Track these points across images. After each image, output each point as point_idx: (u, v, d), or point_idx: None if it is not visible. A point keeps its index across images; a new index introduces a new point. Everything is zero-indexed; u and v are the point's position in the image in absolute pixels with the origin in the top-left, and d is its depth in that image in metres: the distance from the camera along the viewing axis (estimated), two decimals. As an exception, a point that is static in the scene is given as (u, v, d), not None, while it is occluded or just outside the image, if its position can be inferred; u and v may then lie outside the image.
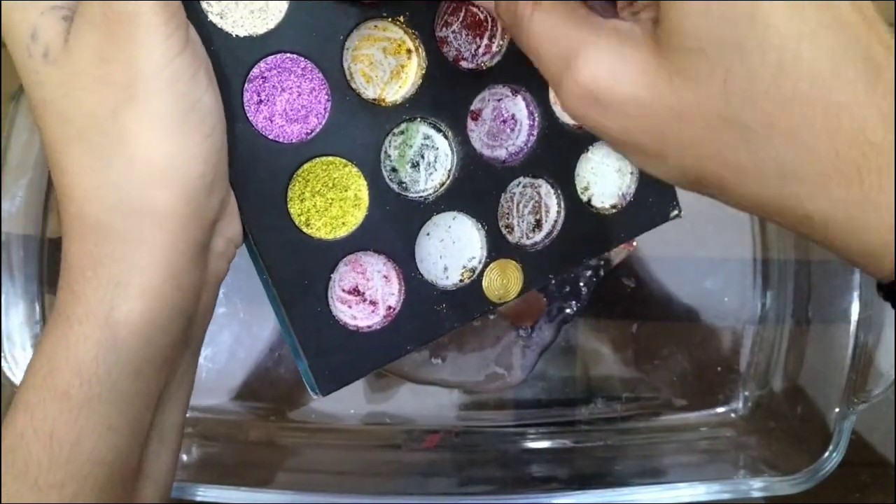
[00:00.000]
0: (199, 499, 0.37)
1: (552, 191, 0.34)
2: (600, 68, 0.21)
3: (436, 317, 0.32)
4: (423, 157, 0.32)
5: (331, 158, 0.30)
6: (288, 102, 0.29)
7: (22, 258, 0.39)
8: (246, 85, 0.28)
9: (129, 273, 0.24)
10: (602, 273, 0.47)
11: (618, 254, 0.47)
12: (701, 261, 0.48)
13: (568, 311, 0.47)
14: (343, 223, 0.30)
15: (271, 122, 0.28)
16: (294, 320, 0.30)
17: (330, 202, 0.30)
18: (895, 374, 0.37)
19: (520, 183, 0.33)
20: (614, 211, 0.35)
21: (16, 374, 0.37)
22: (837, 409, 0.38)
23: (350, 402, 0.46)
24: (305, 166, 0.29)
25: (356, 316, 0.32)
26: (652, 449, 0.45)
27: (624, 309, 0.47)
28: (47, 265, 0.39)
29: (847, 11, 0.19)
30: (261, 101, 0.28)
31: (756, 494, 0.38)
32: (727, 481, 0.38)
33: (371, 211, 0.31)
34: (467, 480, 0.43)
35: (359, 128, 0.30)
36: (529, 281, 0.34)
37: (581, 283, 0.46)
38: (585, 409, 0.47)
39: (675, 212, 0.36)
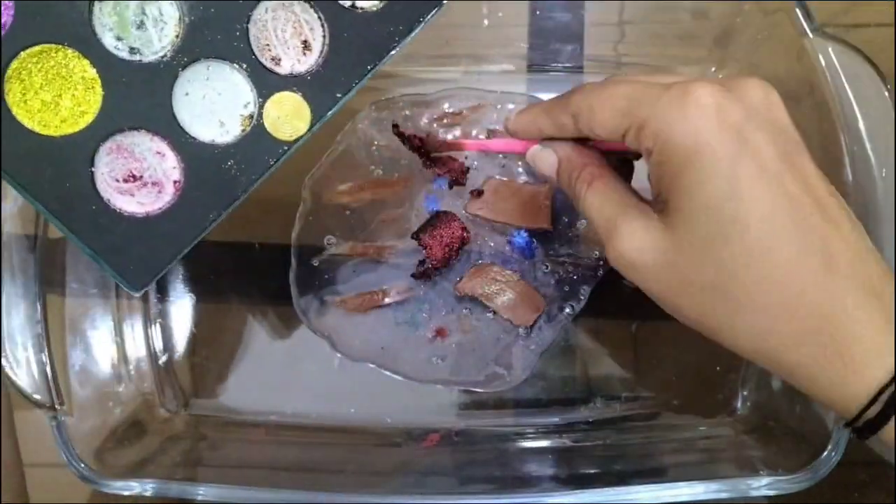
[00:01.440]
0: (199, 498, 0.37)
1: (307, 5, 0.31)
2: (631, 243, 0.28)
3: (229, 176, 0.30)
4: (145, 14, 0.29)
5: (38, 48, 0.27)
6: None
7: (22, 258, 0.39)
8: None
9: None
10: (601, 273, 0.47)
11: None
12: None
13: (568, 311, 0.47)
14: (82, 112, 0.28)
15: None
16: (74, 227, 0.28)
17: (58, 94, 0.28)
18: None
19: (267, 8, 0.30)
20: (383, 4, 0.32)
21: (17, 374, 0.37)
22: (836, 409, 0.38)
23: (350, 402, 0.46)
24: (13, 65, 0.27)
25: (143, 202, 0.30)
26: (651, 448, 0.45)
27: (624, 309, 0.48)
28: (48, 265, 0.39)
29: (813, 217, 0.25)
30: None
31: (755, 493, 0.38)
32: (726, 480, 0.38)
33: (108, 90, 0.28)
34: (467, 479, 0.43)
35: (56, 5, 0.27)
36: (317, 107, 0.31)
37: (581, 283, 0.47)
38: (585, 408, 0.47)
39: None
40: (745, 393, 0.47)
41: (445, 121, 0.46)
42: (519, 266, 0.46)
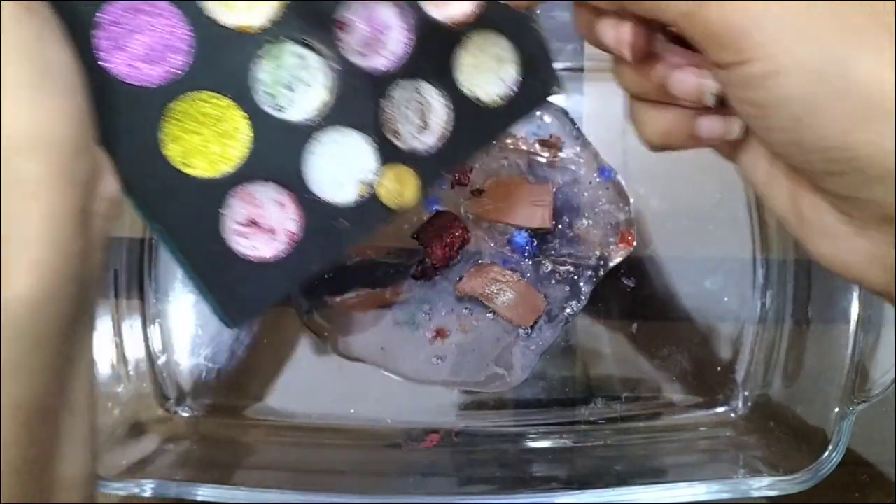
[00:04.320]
0: (199, 499, 0.37)
1: (434, 91, 0.34)
2: None
3: (337, 234, 0.33)
4: (297, 77, 0.31)
5: (200, 94, 0.29)
6: (144, 44, 0.27)
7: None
8: (94, 30, 0.26)
9: (12, 249, 0.23)
10: (602, 273, 0.47)
11: (617, 253, 0.47)
12: (701, 261, 0.48)
13: (568, 311, 0.47)
14: (226, 158, 0.30)
15: (131, 66, 0.27)
16: (193, 262, 0.30)
17: (207, 139, 0.29)
18: (895, 374, 0.37)
19: (401, 87, 0.33)
20: (499, 99, 0.35)
21: (16, 374, 0.37)
22: (837, 409, 0.38)
23: (350, 402, 0.46)
24: (175, 106, 0.28)
25: (257, 247, 0.31)
26: (651, 449, 0.45)
27: (624, 309, 0.47)
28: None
29: None
30: (116, 48, 0.27)
31: (755, 494, 0.38)
32: (727, 481, 0.38)
33: (253, 141, 0.30)
34: (467, 480, 0.43)
35: (225, 58, 0.29)
36: (425, 182, 0.34)
37: (581, 283, 0.46)
38: (585, 409, 0.47)
39: (556, 88, 0.37)
40: (745, 394, 0.47)
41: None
42: (519, 266, 0.46)
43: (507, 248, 0.47)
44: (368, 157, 0.33)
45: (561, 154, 0.47)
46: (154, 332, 0.46)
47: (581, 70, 0.48)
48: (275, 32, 0.30)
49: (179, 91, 0.28)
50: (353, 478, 0.43)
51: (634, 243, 0.47)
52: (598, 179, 0.47)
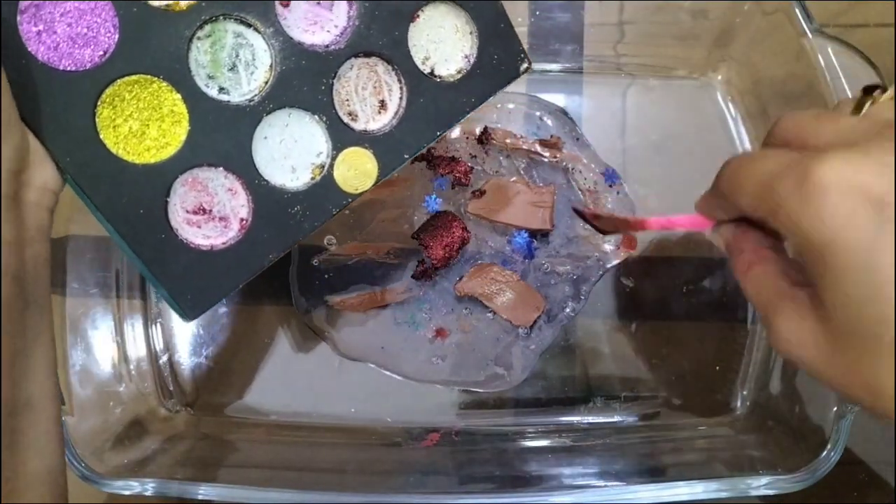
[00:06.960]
0: (200, 497, 0.37)
1: (390, 68, 0.32)
2: (788, 336, 0.25)
3: (293, 220, 0.31)
4: (238, 57, 0.30)
5: (134, 77, 0.28)
6: (70, 26, 0.27)
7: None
8: (19, 16, 0.26)
9: None
10: (601, 273, 0.47)
11: (617, 254, 0.47)
12: (700, 261, 0.48)
13: (568, 311, 0.47)
14: (166, 143, 0.29)
15: (57, 50, 0.27)
16: (140, 252, 0.29)
17: (146, 124, 0.29)
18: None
19: (353, 66, 0.32)
20: (460, 76, 0.33)
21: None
22: (836, 408, 0.38)
23: (351, 402, 0.46)
24: (108, 91, 0.28)
25: (208, 235, 0.30)
26: (650, 448, 0.45)
27: (623, 309, 0.48)
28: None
29: None
30: (40, 31, 0.26)
31: (754, 493, 0.38)
32: (726, 480, 0.38)
33: (193, 125, 0.29)
34: (467, 479, 0.43)
35: (156, 38, 0.28)
36: (384, 165, 0.33)
37: (581, 283, 0.47)
38: (585, 408, 0.47)
39: (525, 65, 0.34)
40: (744, 393, 0.47)
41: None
42: (519, 266, 0.47)
43: (508, 248, 0.47)
44: (320, 140, 0.32)
45: (561, 154, 0.47)
46: (155, 331, 0.46)
47: (581, 70, 0.48)
48: (207, 10, 0.29)
49: (111, 75, 0.28)
50: (353, 476, 0.43)
51: (636, 244, 0.47)
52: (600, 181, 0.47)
